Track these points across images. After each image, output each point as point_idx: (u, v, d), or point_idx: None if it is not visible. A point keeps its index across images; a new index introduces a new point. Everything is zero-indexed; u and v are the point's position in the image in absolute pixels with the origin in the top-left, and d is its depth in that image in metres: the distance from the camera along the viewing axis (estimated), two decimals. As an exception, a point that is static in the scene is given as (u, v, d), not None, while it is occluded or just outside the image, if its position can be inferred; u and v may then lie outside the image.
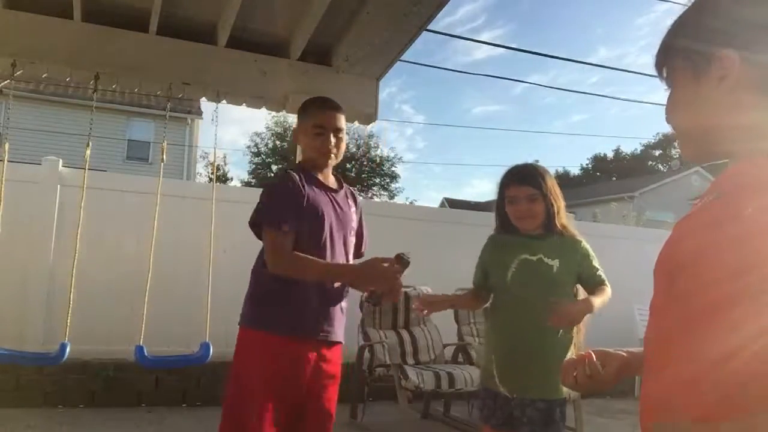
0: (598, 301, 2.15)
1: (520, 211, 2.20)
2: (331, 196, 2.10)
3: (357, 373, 4.46)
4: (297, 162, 2.19)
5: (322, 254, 2.01)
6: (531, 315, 2.17)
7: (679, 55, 0.85)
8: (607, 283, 2.25)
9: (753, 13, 0.77)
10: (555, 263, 2.20)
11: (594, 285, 2.25)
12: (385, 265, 1.94)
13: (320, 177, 2.12)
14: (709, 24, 0.81)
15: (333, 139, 2.09)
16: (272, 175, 25.80)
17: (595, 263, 2.28)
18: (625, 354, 1.03)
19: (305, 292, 1.99)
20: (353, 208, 2.20)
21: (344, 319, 2.13)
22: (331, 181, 2.17)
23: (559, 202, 2.22)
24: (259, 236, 2.03)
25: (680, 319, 0.75)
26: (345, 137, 2.17)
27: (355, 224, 2.19)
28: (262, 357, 1.98)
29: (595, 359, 1.04)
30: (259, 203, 2.04)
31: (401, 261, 1.95)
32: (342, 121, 2.14)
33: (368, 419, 4.42)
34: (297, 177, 2.02)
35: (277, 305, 2.00)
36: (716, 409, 0.68)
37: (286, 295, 1.99)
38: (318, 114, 2.10)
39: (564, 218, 2.24)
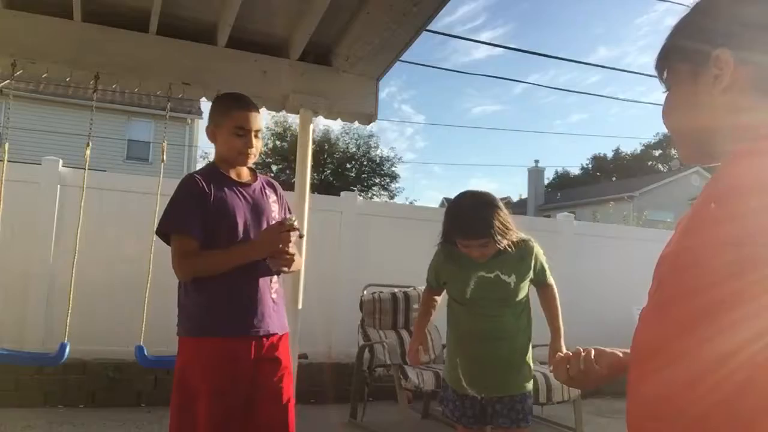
0: (560, 320, 2.47)
1: (473, 254, 2.33)
2: (242, 191, 2.10)
3: (357, 373, 4.46)
4: (211, 160, 2.21)
5: None
6: (491, 325, 2.37)
7: (676, 56, 0.85)
8: (552, 281, 2.51)
9: (748, 14, 0.77)
10: (512, 279, 2.35)
11: (544, 286, 2.50)
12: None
13: (232, 174, 2.13)
14: (706, 24, 0.82)
15: (254, 141, 2.11)
16: (272, 174, 25.88)
17: (545, 263, 2.47)
18: (620, 353, 1.04)
19: (226, 291, 1.99)
20: (272, 198, 2.21)
21: (280, 309, 2.12)
22: (245, 176, 2.18)
23: (510, 230, 2.31)
24: (168, 243, 2.04)
25: (677, 320, 0.75)
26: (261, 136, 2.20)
27: (275, 213, 2.19)
28: (199, 361, 1.99)
29: (590, 355, 1.04)
30: (164, 211, 2.05)
31: (284, 225, 2.00)
32: (260, 121, 2.17)
33: (368, 419, 4.42)
34: (200, 179, 2.03)
35: (202, 309, 2.01)
36: (714, 410, 0.68)
37: (208, 299, 2.00)
38: (240, 115, 2.10)
39: (514, 236, 2.34)
